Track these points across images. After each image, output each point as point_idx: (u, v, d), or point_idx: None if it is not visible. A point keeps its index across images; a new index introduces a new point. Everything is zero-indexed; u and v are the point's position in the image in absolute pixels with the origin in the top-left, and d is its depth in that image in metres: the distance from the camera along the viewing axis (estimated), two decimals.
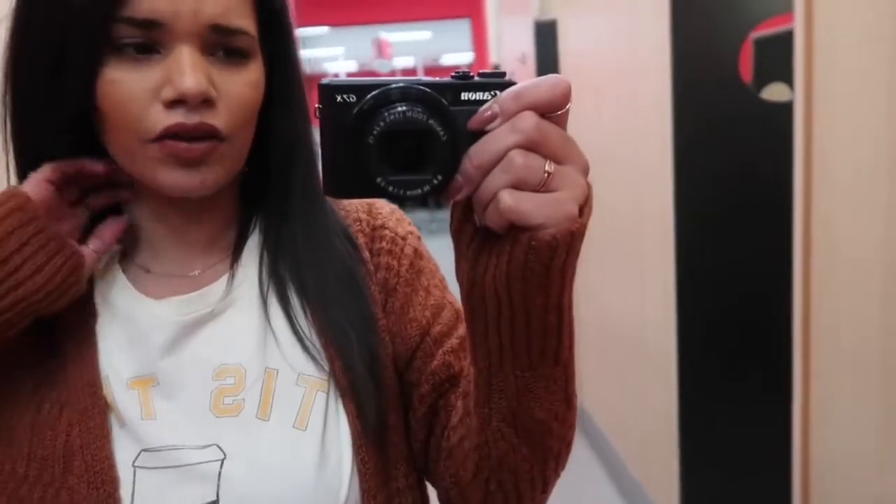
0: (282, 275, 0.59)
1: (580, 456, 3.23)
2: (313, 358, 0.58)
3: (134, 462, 0.53)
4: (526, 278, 0.41)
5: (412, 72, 11.40)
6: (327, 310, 0.59)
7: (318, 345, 0.59)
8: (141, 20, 0.50)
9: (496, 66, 5.82)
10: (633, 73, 2.32)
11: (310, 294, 0.59)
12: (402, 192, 0.40)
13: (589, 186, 0.42)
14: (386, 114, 0.39)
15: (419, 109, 0.40)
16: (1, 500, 0.53)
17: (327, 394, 0.58)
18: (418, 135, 0.39)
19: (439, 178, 0.40)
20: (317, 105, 0.41)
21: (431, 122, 0.39)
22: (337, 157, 0.40)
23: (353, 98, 0.40)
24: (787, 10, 1.47)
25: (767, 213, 1.88)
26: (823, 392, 1.42)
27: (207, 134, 0.52)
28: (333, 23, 9.71)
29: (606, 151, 2.68)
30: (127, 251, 0.60)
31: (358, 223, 0.65)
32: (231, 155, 0.55)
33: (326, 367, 0.58)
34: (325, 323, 0.59)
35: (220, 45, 0.53)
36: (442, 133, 0.40)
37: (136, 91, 0.51)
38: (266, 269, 0.60)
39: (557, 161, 0.40)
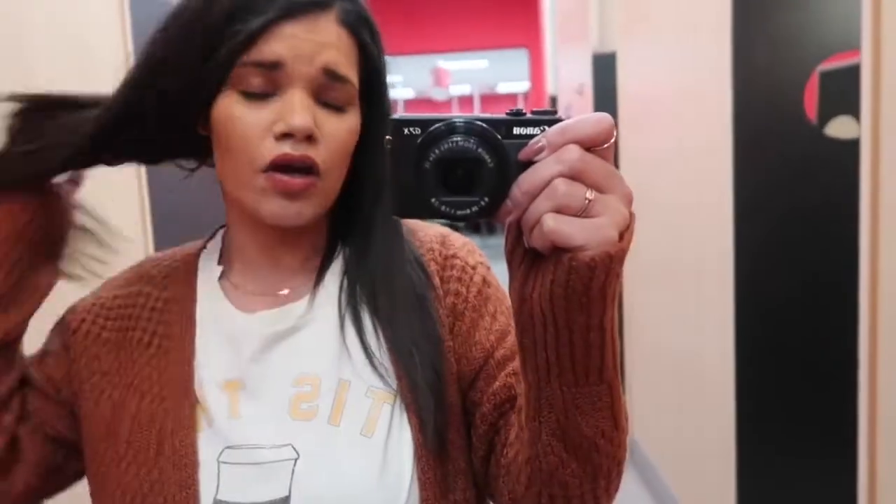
0: (358, 298, 0.66)
1: (630, 489, 3.17)
2: (380, 374, 0.64)
3: (219, 458, 0.60)
4: (568, 297, 0.45)
5: (468, 99, 11.52)
6: (396, 331, 0.65)
7: (386, 362, 0.65)
8: (266, 62, 0.58)
9: (553, 98, 5.85)
10: (694, 107, 2.32)
11: (381, 316, 0.66)
12: (453, 211, 0.46)
13: (631, 215, 0.46)
14: (443, 143, 0.45)
15: (473, 140, 0.45)
16: (105, 478, 0.62)
17: (393, 406, 0.63)
18: (469, 162, 0.45)
19: (486, 200, 0.46)
20: (387, 136, 0.47)
21: (481, 150, 0.45)
22: (401, 182, 0.46)
23: (417, 130, 0.46)
24: (853, 45, 1.46)
25: (831, 249, 1.85)
26: (892, 435, 1.38)
27: (308, 167, 0.60)
28: (392, 51, 9.88)
29: (664, 184, 2.67)
30: (225, 271, 0.69)
31: (431, 252, 0.71)
32: (325, 191, 0.63)
33: (393, 383, 0.64)
34: (394, 342, 0.65)
35: (326, 92, 0.61)
36: (489, 161, 0.45)
37: (253, 126, 0.59)
38: (345, 293, 0.67)
39: (599, 190, 0.44)
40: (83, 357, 0.66)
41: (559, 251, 0.44)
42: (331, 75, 0.60)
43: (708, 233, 2.24)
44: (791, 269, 1.97)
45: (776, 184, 1.96)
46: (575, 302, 0.46)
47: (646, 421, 3.21)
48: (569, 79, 4.63)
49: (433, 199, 0.45)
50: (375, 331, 0.66)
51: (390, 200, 0.61)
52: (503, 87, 11.58)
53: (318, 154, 0.60)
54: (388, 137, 0.47)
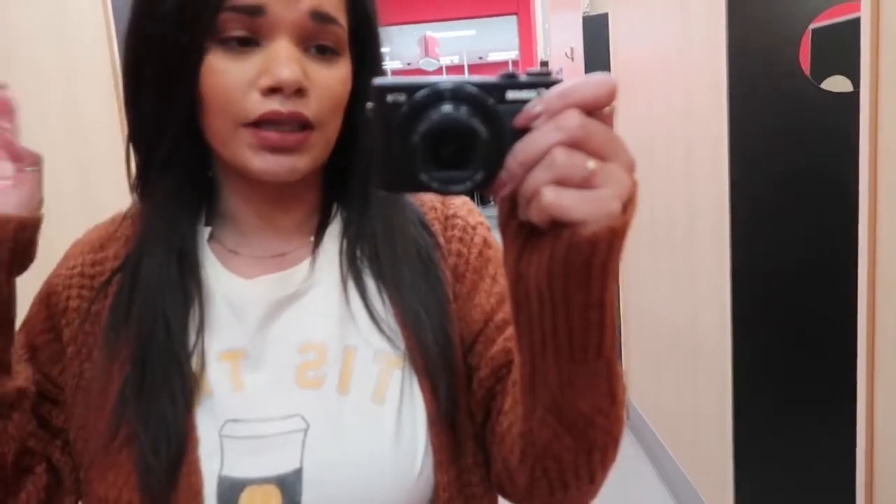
0: (359, 260, 0.63)
1: (627, 453, 3.20)
2: (388, 338, 0.61)
3: (220, 431, 0.57)
4: (567, 274, 0.42)
5: (458, 69, 11.39)
6: (402, 293, 0.63)
7: (393, 325, 0.62)
8: (245, 6, 0.54)
9: (544, 62, 5.79)
10: (688, 67, 2.28)
11: (386, 278, 0.63)
12: (444, 187, 0.41)
13: (634, 184, 0.42)
14: (431, 113, 0.41)
15: (464, 109, 0.41)
16: (95, 461, 0.58)
17: (402, 371, 0.61)
18: (461, 133, 0.41)
19: (480, 175, 0.41)
20: (368, 104, 0.42)
21: (474, 121, 0.40)
22: (387, 154, 0.42)
23: (402, 97, 0.41)
24: None
25: (829, 210, 1.83)
26: (890, 398, 1.37)
27: (299, 122, 0.56)
28: (380, 22, 9.75)
29: (658, 148, 2.64)
30: (215, 234, 0.65)
31: (433, 211, 0.69)
32: (319, 144, 0.59)
33: (402, 347, 0.61)
34: (400, 305, 0.62)
35: (314, 37, 0.57)
36: (484, 132, 0.41)
37: (236, 79, 0.55)
38: (345, 254, 0.64)
39: (601, 159, 0.40)
40: (77, 336, 0.63)
41: (558, 225, 0.41)
42: (318, 17, 0.57)
43: (703, 198, 2.23)
44: (788, 233, 1.96)
45: (772, 146, 1.94)
46: (574, 279, 0.42)
47: (643, 386, 3.23)
48: (559, 44, 4.57)
49: (422, 175, 0.41)
50: (380, 294, 0.63)
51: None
52: (493, 56, 11.45)
53: (309, 108, 0.57)
54: (369, 105, 0.42)
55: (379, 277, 0.63)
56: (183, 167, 0.61)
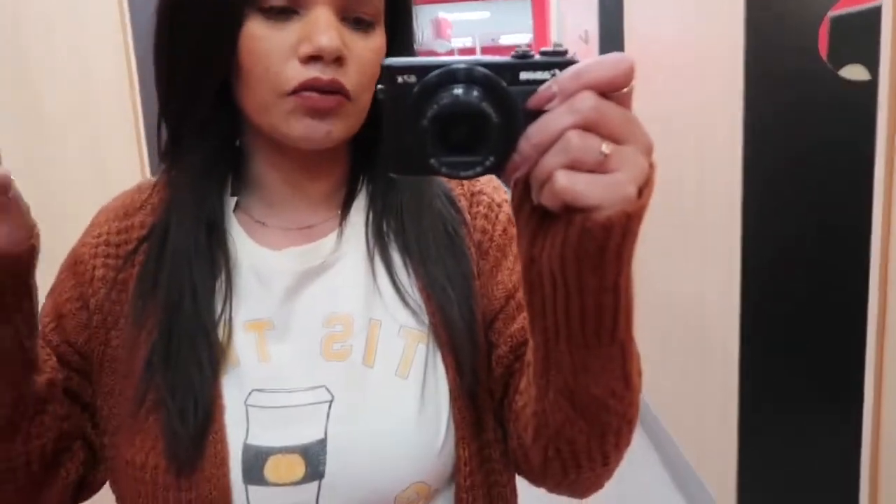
0: (385, 233, 0.64)
1: (634, 442, 3.21)
2: (413, 312, 0.62)
3: (246, 401, 0.58)
4: (580, 259, 0.41)
5: (470, 51, 11.34)
6: (428, 268, 0.63)
7: (418, 300, 0.62)
8: None
9: (557, 45, 5.73)
10: (704, 51, 2.26)
11: (412, 252, 0.63)
12: (454, 173, 0.40)
13: (651, 167, 0.41)
14: (442, 95, 0.39)
15: (475, 92, 0.39)
16: (121, 428, 0.59)
17: (426, 346, 0.61)
18: (472, 117, 0.39)
19: (491, 160, 0.40)
20: (378, 85, 0.41)
21: (485, 104, 0.39)
22: (396, 137, 0.41)
23: (412, 79, 0.40)
24: None
25: (842, 196, 1.82)
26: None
27: (338, 90, 0.56)
28: None
29: (673, 131, 2.63)
30: (241, 204, 0.65)
31: (460, 186, 0.69)
32: (354, 113, 0.59)
33: (426, 321, 0.62)
34: (426, 280, 0.62)
35: (352, 9, 0.57)
36: (495, 116, 0.39)
37: (276, 47, 0.55)
38: (371, 228, 0.64)
39: (617, 141, 0.39)
40: (104, 304, 0.63)
41: (571, 210, 0.40)
42: None
43: (716, 180, 2.22)
44: (799, 217, 1.95)
45: (787, 131, 1.93)
46: (588, 264, 0.41)
47: (647, 371, 3.22)
48: (574, 26, 4.52)
49: (432, 160, 0.40)
50: (406, 268, 0.63)
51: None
52: (506, 39, 11.36)
53: (348, 78, 0.57)
54: (379, 86, 0.41)
55: (405, 251, 0.64)
56: (214, 136, 0.61)
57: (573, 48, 3.03)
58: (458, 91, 0.39)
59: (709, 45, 2.21)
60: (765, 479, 2.13)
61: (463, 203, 0.67)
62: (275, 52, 0.55)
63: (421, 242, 0.63)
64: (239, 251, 0.62)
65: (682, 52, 2.47)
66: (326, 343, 0.60)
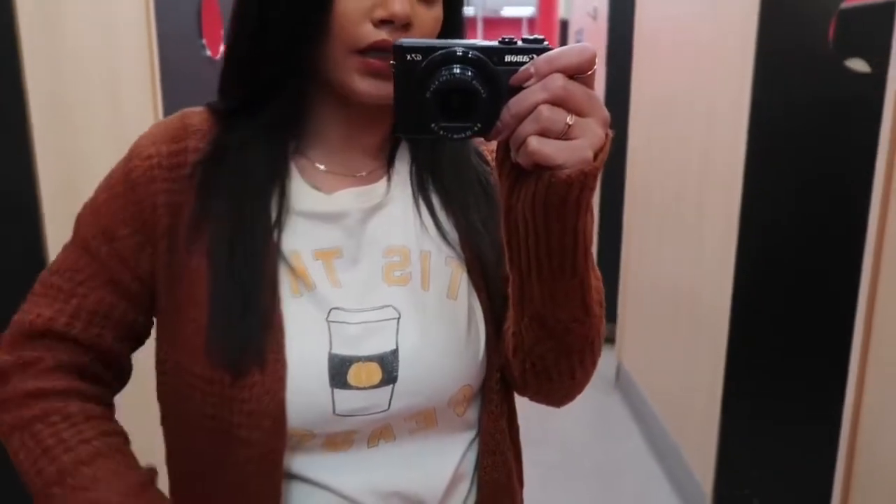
0: (426, 181, 0.73)
1: (616, 412, 3.29)
2: (453, 247, 0.72)
3: (327, 318, 0.66)
4: (546, 207, 0.53)
5: (471, 22, 11.22)
6: (464, 211, 0.72)
7: (456, 238, 0.72)
8: None
9: (564, 22, 5.73)
10: (715, 32, 2.27)
11: (451, 198, 0.72)
12: (450, 135, 0.51)
13: (607, 136, 0.52)
14: (442, 73, 0.50)
15: (469, 71, 0.50)
16: (187, 338, 0.65)
17: (467, 274, 0.71)
18: (465, 92, 0.50)
19: (478, 126, 0.51)
20: (391, 61, 0.52)
21: (476, 82, 0.50)
22: (404, 104, 0.51)
23: (419, 57, 0.51)
24: None
25: (843, 188, 1.85)
26: (879, 383, 1.41)
27: None
28: None
29: (677, 114, 2.65)
30: (300, 148, 0.70)
31: (484, 144, 0.78)
32: None
33: (463, 256, 0.71)
34: (463, 221, 0.72)
35: None
36: (483, 92, 0.51)
37: (353, 9, 0.62)
38: (415, 177, 0.73)
39: (580, 114, 0.50)
40: (169, 229, 0.66)
41: (540, 168, 0.51)
42: None
43: (717, 166, 2.25)
44: (800, 202, 1.97)
45: (794, 121, 1.94)
46: (553, 211, 0.53)
47: (636, 351, 3.29)
48: (583, 2, 4.51)
49: (433, 124, 0.51)
50: (444, 210, 0.72)
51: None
52: (508, 11, 11.24)
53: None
54: (391, 62, 0.51)
55: (444, 196, 0.72)
56: (286, 86, 0.67)
57: (581, 25, 3.02)
58: (456, 70, 0.50)
59: (720, 25, 2.23)
60: (744, 456, 2.19)
61: (489, 157, 0.76)
62: (351, 13, 0.62)
63: (458, 190, 0.72)
64: (299, 190, 0.68)
65: (692, 33, 2.49)
66: (387, 270, 0.69)
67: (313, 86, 0.68)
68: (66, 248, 0.71)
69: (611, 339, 3.60)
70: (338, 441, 0.66)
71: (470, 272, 0.71)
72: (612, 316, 3.65)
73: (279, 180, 0.67)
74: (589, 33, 4.34)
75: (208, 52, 2.54)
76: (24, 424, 0.65)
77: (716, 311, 2.22)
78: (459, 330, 0.68)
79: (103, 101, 1.75)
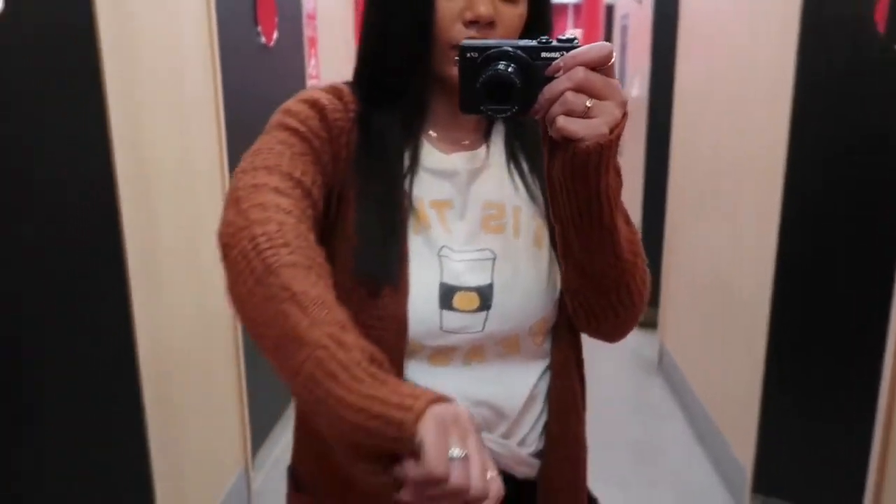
0: (517, 150, 0.87)
1: (657, 394, 3.31)
2: (538, 204, 0.86)
3: (438, 253, 0.81)
4: (573, 171, 0.67)
5: None
6: (544, 174, 0.82)
7: (540, 197, 0.86)
8: None
9: (610, 6, 5.68)
10: (758, 16, 2.28)
11: (535, 165, 0.87)
12: (494, 114, 0.68)
13: (623, 115, 0.65)
14: (490, 68, 0.66)
15: (510, 67, 0.66)
16: (346, 257, 0.79)
17: (548, 228, 0.85)
18: (505, 83, 0.66)
19: (515, 108, 0.67)
20: (456, 57, 0.68)
21: (513, 76, 0.65)
22: (464, 89, 0.68)
23: (476, 55, 0.67)
24: None
25: (891, 173, 1.84)
26: None
27: None
28: None
29: (715, 94, 2.65)
30: (424, 127, 0.86)
31: None
32: None
33: (543, 211, 0.85)
34: (544, 184, 0.84)
35: None
36: (518, 83, 0.65)
37: (448, 13, 0.78)
38: (507, 148, 0.87)
39: (599, 98, 0.64)
40: (339, 159, 0.80)
41: (567, 141, 0.65)
42: None
43: (758, 153, 2.25)
44: (842, 177, 1.96)
45: (836, 103, 1.94)
46: (578, 175, 0.68)
47: (679, 335, 3.30)
48: None
49: (482, 107, 0.67)
50: (531, 174, 0.86)
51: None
52: None
53: (496, 37, 0.78)
54: (456, 58, 0.68)
55: (530, 165, 0.87)
56: (414, 76, 0.82)
57: (626, 9, 3.05)
58: (500, 66, 0.66)
59: (763, 10, 2.23)
60: (785, 440, 2.21)
61: None
62: (447, 16, 0.77)
63: (539, 158, 0.82)
64: (425, 151, 0.84)
65: (736, 15, 2.49)
66: (486, 221, 0.83)
67: (428, 75, 0.82)
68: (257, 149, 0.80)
69: (653, 323, 3.61)
70: (441, 356, 0.81)
71: (551, 226, 0.83)
72: (654, 300, 3.66)
73: (412, 142, 0.83)
74: (634, 17, 4.33)
75: (263, 40, 2.63)
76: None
77: (755, 296, 2.23)
78: (542, 272, 0.83)
79: (170, 89, 1.85)
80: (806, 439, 2.17)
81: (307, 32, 3.22)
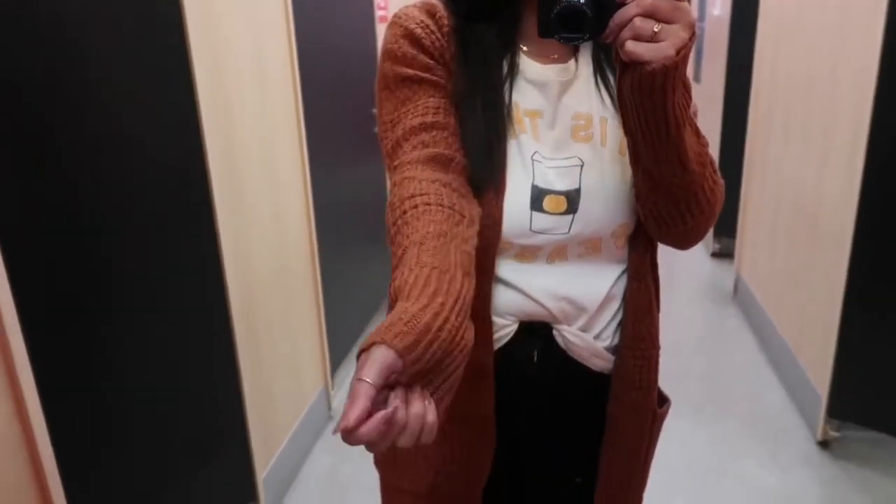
0: (604, 65, 0.91)
1: (732, 324, 3.28)
2: (621, 116, 0.88)
3: (532, 157, 0.86)
4: (641, 90, 0.71)
5: None
6: None
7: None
8: None
9: None
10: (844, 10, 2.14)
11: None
12: (568, 42, 0.73)
13: (691, 38, 0.68)
14: (564, 0, 0.71)
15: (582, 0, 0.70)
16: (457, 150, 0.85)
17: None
18: (578, 13, 0.70)
19: (587, 35, 0.72)
20: None
21: (586, 6, 0.70)
22: (543, 17, 0.72)
23: None
24: None
25: None
26: None
27: None
28: None
29: (808, 20, 2.53)
30: (516, 40, 0.90)
31: None
32: None
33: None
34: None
35: None
36: (589, 13, 0.70)
37: None
38: (594, 63, 0.91)
39: (667, 21, 0.67)
40: (450, 67, 0.86)
41: (636, 63, 0.69)
42: None
43: (848, 79, 2.15)
44: None
45: None
46: (645, 94, 0.71)
47: (756, 264, 3.25)
48: None
49: (556, 35, 0.72)
50: (614, 87, 0.88)
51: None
52: None
53: None
54: None
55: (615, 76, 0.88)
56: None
57: None
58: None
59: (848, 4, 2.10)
60: (861, 362, 2.18)
61: None
62: None
63: None
64: (522, 60, 0.89)
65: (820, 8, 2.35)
66: (574, 130, 0.88)
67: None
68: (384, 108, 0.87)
69: (729, 253, 3.55)
70: (527, 254, 0.88)
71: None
72: (731, 231, 3.59)
73: (510, 53, 0.88)
74: None
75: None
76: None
77: (839, 224, 2.17)
78: (626, 180, 0.87)
79: (253, 77, 1.90)
80: (882, 366, 2.14)
81: None
